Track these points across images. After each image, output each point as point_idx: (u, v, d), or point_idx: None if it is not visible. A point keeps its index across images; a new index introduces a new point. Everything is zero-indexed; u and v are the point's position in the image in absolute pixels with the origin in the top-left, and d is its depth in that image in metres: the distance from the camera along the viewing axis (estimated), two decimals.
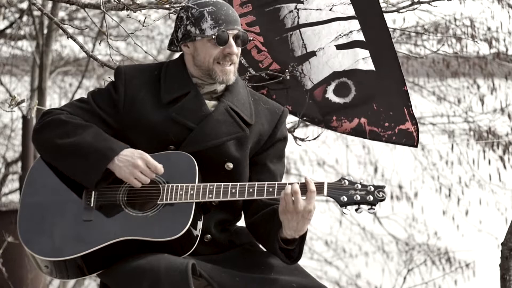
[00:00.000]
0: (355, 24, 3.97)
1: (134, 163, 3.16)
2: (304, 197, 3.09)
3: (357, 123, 3.99)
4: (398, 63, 3.97)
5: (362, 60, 3.97)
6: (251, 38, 3.32)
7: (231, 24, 3.27)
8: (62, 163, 3.25)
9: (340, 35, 3.98)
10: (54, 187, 3.25)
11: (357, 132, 4.00)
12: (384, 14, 3.98)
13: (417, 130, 3.96)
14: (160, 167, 3.18)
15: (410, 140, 3.97)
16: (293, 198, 3.08)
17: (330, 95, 4.01)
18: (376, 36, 3.97)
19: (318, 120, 4.03)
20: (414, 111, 3.96)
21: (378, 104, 3.97)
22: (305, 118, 4.03)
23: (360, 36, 3.97)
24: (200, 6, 3.28)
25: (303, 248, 3.23)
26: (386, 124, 3.97)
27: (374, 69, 3.97)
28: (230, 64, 3.29)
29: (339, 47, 3.98)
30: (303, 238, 3.19)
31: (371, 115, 3.98)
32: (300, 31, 4.01)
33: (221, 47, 3.26)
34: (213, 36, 3.25)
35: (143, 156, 3.18)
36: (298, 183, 3.13)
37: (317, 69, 4.01)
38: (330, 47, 4.00)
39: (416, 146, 4.00)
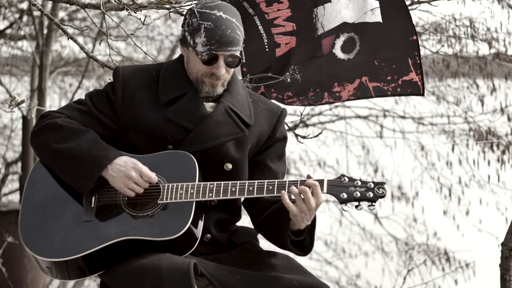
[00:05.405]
0: None
1: (128, 174, 3.15)
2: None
3: (358, 83, 3.97)
4: (408, 14, 3.94)
5: (370, 11, 3.94)
6: (243, 61, 3.28)
7: (225, 45, 3.20)
8: (58, 168, 3.24)
9: None
10: (55, 187, 3.25)
11: (361, 91, 3.98)
12: None
13: (422, 80, 3.94)
14: (154, 178, 3.17)
15: (416, 89, 3.95)
16: (303, 197, 3.09)
17: (337, 51, 3.99)
18: None
19: (321, 89, 3.99)
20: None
21: (379, 59, 3.96)
22: (311, 93, 3.98)
23: None
24: (201, 17, 3.22)
25: (314, 235, 3.24)
26: (389, 77, 3.95)
27: (381, 21, 3.95)
28: (218, 80, 3.27)
29: None
30: (312, 225, 3.21)
31: (372, 71, 3.96)
32: None
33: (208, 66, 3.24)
34: (200, 56, 3.22)
35: (137, 166, 3.17)
36: (298, 181, 3.13)
37: (330, 16, 3.98)
38: None
39: (422, 95, 3.98)
